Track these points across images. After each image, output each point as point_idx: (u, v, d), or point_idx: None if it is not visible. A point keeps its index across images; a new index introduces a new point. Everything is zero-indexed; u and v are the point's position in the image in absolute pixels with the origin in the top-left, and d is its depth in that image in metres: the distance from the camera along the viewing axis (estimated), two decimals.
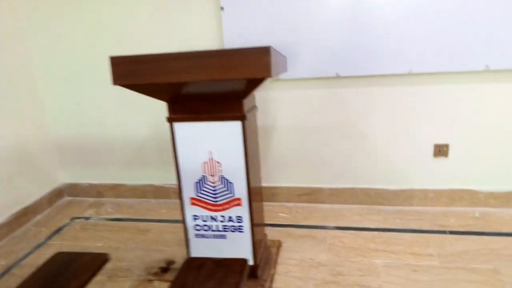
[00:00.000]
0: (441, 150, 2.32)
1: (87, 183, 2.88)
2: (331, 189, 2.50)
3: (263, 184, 2.59)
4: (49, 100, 2.73)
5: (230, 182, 1.63)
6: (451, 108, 2.24)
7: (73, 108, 2.70)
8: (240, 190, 1.64)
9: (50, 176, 2.84)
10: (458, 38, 2.08)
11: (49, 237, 2.39)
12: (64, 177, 2.92)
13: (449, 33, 2.08)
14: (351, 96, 2.32)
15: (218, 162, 1.61)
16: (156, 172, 2.74)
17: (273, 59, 1.32)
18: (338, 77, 2.27)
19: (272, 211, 2.49)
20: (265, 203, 2.60)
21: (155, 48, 2.43)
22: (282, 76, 2.30)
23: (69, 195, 2.95)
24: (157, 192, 2.79)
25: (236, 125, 1.54)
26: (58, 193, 2.89)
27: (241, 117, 1.52)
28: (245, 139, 1.55)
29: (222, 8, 2.25)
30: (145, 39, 2.43)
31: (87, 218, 2.61)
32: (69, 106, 2.70)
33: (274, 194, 2.59)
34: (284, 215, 2.44)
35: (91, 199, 2.90)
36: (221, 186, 1.65)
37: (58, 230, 2.47)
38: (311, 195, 2.54)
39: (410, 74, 2.21)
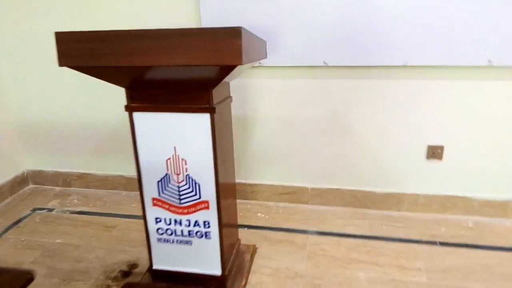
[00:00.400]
0: (435, 152, 2.14)
1: (53, 171, 2.66)
2: (314, 189, 2.32)
3: (242, 181, 2.39)
4: (11, 82, 2.48)
5: (196, 183, 1.43)
6: (448, 106, 2.05)
7: (38, 91, 2.47)
8: (208, 192, 1.44)
9: (13, 162, 2.62)
10: (459, 30, 1.88)
11: (6, 230, 2.18)
12: (28, 164, 2.70)
13: (450, 24, 1.88)
14: (340, 88, 2.12)
15: (183, 160, 1.41)
16: (128, 162, 2.53)
17: (246, 43, 1.11)
18: (326, 66, 2.06)
19: (250, 211, 2.30)
20: (243, 202, 2.41)
21: (123, 26, 2.19)
22: (265, 62, 2.09)
23: (34, 183, 2.73)
24: (128, 184, 2.58)
25: (204, 118, 1.33)
26: (21, 181, 2.66)
27: (210, 109, 1.31)
28: (214, 135, 1.35)
29: None
30: (112, 15, 2.20)
31: (50, 210, 2.40)
32: (34, 88, 2.46)
33: (254, 191, 2.40)
34: (263, 215, 2.25)
35: (57, 188, 2.68)
36: (186, 186, 1.45)
37: (17, 222, 2.26)
38: (294, 194, 2.35)
39: (405, 67, 2.01)
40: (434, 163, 2.15)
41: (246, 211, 2.30)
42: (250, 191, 2.40)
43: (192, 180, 1.43)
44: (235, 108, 2.24)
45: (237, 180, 2.39)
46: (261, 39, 1.47)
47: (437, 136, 2.11)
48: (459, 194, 2.17)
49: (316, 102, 2.16)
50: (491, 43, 1.87)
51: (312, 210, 2.29)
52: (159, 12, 2.14)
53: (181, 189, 1.45)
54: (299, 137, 2.25)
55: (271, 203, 2.38)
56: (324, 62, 2.03)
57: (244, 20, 2.04)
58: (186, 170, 1.42)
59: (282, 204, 2.37)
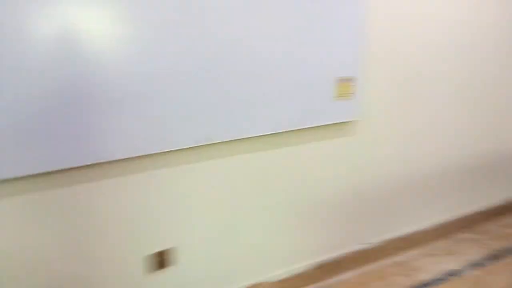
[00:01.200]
0: (164, 259, 1.60)
1: None
2: None
3: None
4: None
5: None
6: (170, 201, 1.54)
7: None
8: None
9: None
10: (171, 112, 1.40)
11: None
12: None
13: (159, 108, 1.37)
14: (16, 209, 1.26)
15: None
16: None
17: None
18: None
19: None
20: None
21: None
22: None
23: None
24: None
25: None
26: None
27: None
28: None
29: None
30: None
31: None
32: None
33: None
34: None
35: None
36: None
37: None
38: None
39: (108, 162, 1.37)
40: (166, 272, 1.62)
41: None
42: None
43: None
44: None
45: None
46: None
47: (164, 238, 1.58)
48: None
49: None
50: (208, 119, 1.48)
51: None
52: None
53: None
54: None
55: None
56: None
57: None
58: None
59: None
